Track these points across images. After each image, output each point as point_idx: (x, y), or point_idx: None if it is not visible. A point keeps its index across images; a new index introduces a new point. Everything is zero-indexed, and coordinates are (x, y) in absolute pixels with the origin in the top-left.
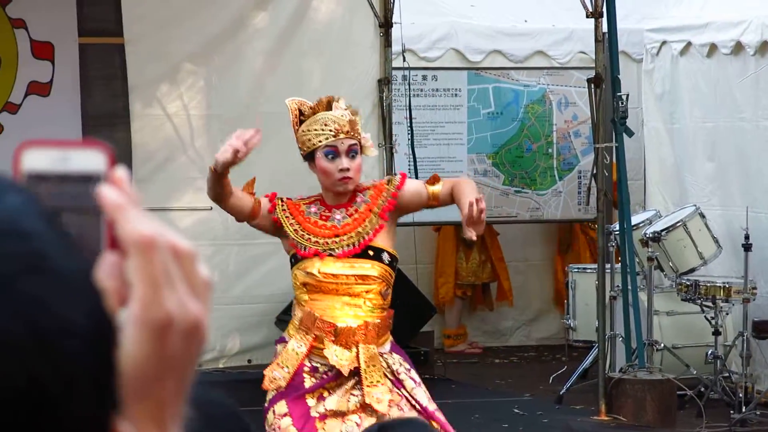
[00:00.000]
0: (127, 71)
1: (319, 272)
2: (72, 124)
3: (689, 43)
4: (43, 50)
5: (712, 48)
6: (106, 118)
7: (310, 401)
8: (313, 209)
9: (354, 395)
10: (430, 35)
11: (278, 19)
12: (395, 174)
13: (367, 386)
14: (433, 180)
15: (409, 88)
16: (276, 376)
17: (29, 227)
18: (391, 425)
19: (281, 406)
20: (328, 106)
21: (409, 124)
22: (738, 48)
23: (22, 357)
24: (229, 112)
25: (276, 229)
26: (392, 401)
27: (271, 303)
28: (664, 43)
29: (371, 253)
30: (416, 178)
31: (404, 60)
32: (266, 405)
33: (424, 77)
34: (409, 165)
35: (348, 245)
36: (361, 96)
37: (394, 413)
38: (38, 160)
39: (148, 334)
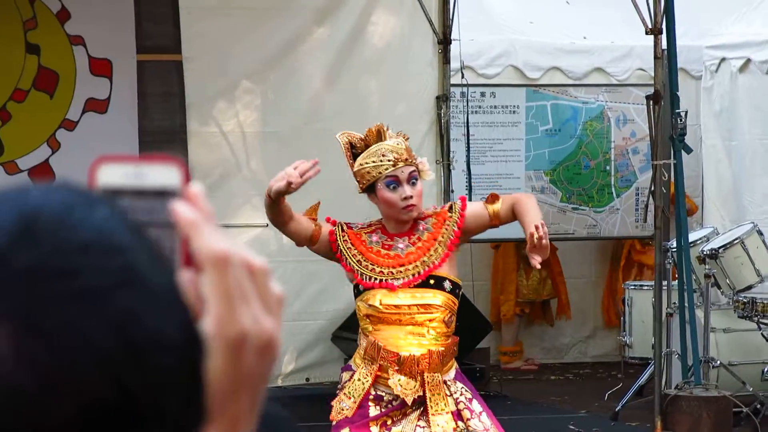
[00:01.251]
0: (184, 88)
1: (380, 303)
2: (129, 141)
3: (749, 60)
4: (101, 67)
5: None
6: (164, 135)
7: (374, 429)
8: (374, 238)
9: (420, 426)
10: (488, 52)
11: (336, 35)
12: (454, 199)
13: (432, 414)
14: (492, 199)
15: (467, 105)
16: (343, 406)
17: (120, 240)
18: None
19: None
20: (379, 136)
21: (466, 141)
22: None
23: (115, 369)
24: (285, 130)
25: (332, 254)
26: (455, 429)
27: (328, 320)
28: (723, 60)
29: (432, 282)
30: (471, 194)
31: (462, 77)
32: (332, 430)
33: (483, 94)
34: (466, 182)
35: (413, 274)
36: (419, 113)
37: None
38: (113, 175)
39: (224, 350)
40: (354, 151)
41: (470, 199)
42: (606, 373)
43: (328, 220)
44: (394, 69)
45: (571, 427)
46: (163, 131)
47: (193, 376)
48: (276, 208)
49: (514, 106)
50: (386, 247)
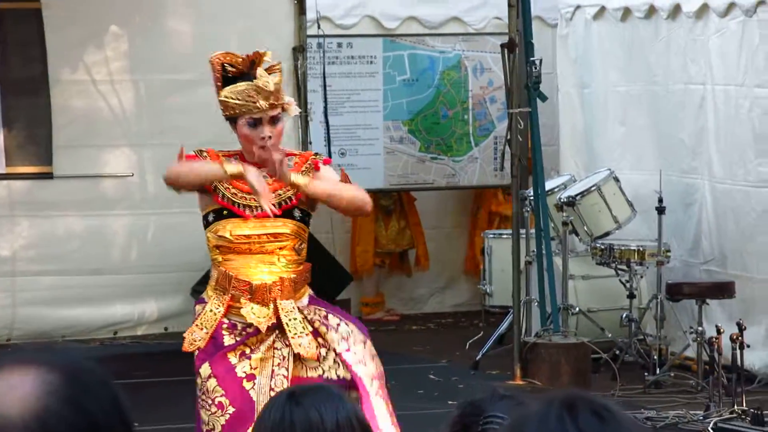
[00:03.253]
0: (45, 36)
1: (230, 234)
2: None
3: (603, 8)
4: None
5: (626, 12)
6: (26, 83)
7: (233, 359)
8: (233, 161)
9: (277, 348)
10: (345, 2)
11: None
12: (321, 155)
13: (292, 337)
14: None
15: (324, 56)
16: (195, 337)
17: None
18: (302, 392)
19: (205, 369)
20: (252, 65)
21: (323, 93)
22: (651, 12)
23: None
24: (150, 77)
25: (203, 191)
26: (319, 347)
27: (188, 272)
28: (578, 7)
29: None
30: (329, 145)
31: (319, 28)
32: (195, 367)
33: (339, 45)
34: (324, 133)
35: (247, 207)
36: None
37: (329, 359)
38: None
39: None
40: (225, 74)
41: (329, 151)
42: (467, 322)
43: (194, 158)
44: (251, 20)
45: (431, 376)
46: (25, 80)
47: None
48: (211, 180)
49: (371, 56)
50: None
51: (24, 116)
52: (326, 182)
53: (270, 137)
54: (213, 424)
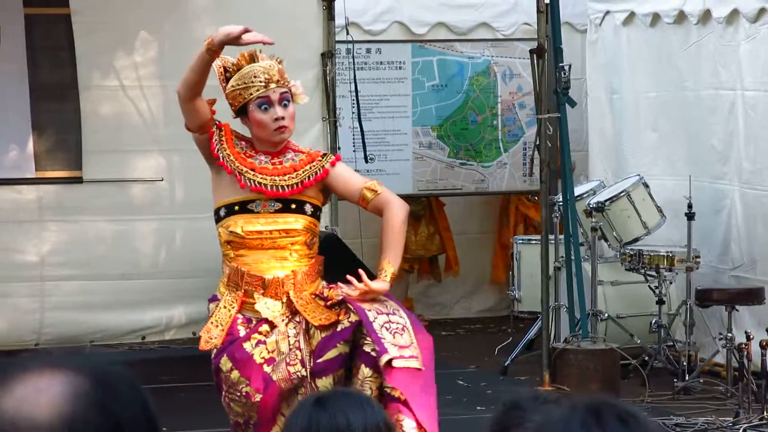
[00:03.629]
0: (74, 41)
1: (242, 230)
2: (20, 95)
3: (632, 13)
4: None
5: (655, 17)
6: (55, 89)
7: (249, 347)
8: (243, 143)
9: (291, 328)
10: (374, 8)
11: None
12: (331, 153)
13: (310, 318)
14: (373, 186)
15: (353, 62)
16: (212, 335)
17: None
18: (328, 397)
19: (225, 362)
20: (252, 59)
21: (353, 98)
22: (681, 17)
23: None
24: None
25: (210, 154)
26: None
27: (217, 276)
28: (607, 13)
29: (294, 206)
30: (364, 151)
31: (348, 33)
32: (212, 363)
33: (368, 50)
34: (354, 139)
35: (259, 182)
36: (304, 70)
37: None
38: None
39: None
40: (227, 75)
41: (365, 156)
42: (496, 328)
43: (213, 113)
44: (279, 25)
45: (460, 382)
46: (54, 85)
47: None
48: (206, 66)
49: (400, 62)
50: (248, 155)
51: (54, 121)
52: (392, 248)
53: (283, 117)
54: (249, 414)
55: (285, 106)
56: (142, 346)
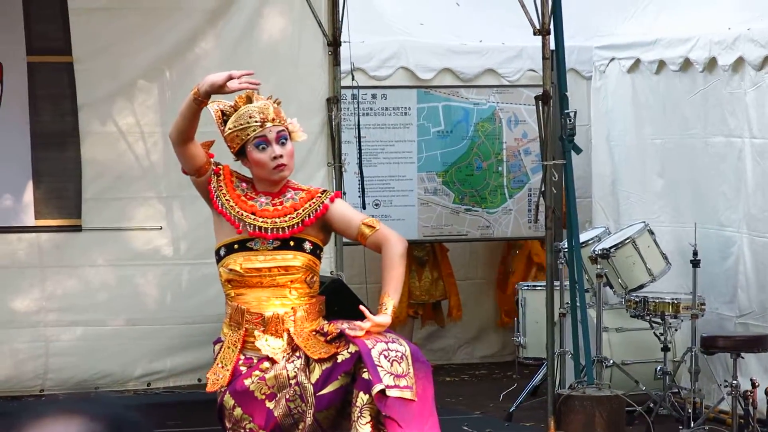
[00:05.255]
0: (76, 90)
1: (241, 268)
2: (21, 143)
3: (638, 60)
4: None
5: (661, 64)
6: (56, 136)
7: (250, 385)
8: (243, 185)
9: (290, 362)
10: (379, 54)
11: (227, 37)
12: (332, 190)
13: (309, 353)
14: (372, 222)
15: (358, 107)
16: (218, 377)
17: None
18: None
19: (228, 399)
20: (248, 100)
21: (358, 143)
22: (686, 65)
23: None
24: None
25: (207, 197)
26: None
27: (221, 321)
28: (612, 59)
29: (292, 243)
30: (364, 196)
31: (353, 79)
32: (218, 404)
33: (374, 96)
34: (358, 184)
35: (259, 227)
36: (310, 115)
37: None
38: None
39: None
40: (225, 118)
41: (363, 203)
42: (501, 373)
43: (211, 156)
44: (285, 71)
45: (465, 428)
46: (55, 133)
47: None
48: (194, 114)
49: (406, 107)
50: (249, 197)
51: (53, 169)
52: (392, 281)
53: (282, 156)
54: None
55: (283, 144)
56: (147, 392)
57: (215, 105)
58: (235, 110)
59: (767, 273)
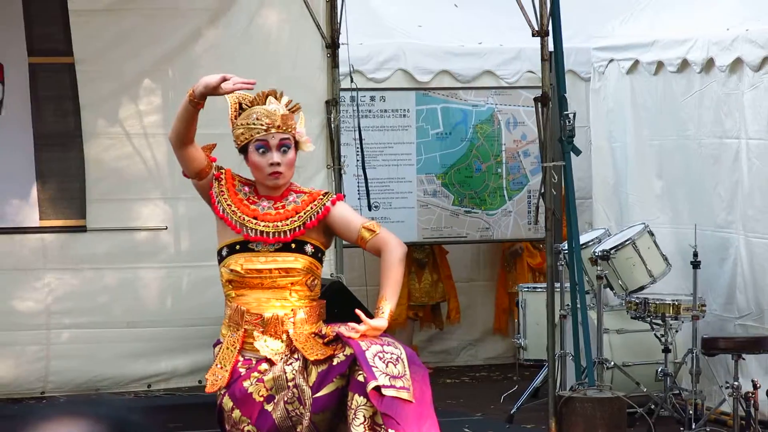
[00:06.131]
0: (77, 90)
1: (242, 269)
2: (24, 144)
3: (636, 61)
4: None
5: (659, 66)
6: (58, 137)
7: (249, 386)
8: (246, 189)
9: (288, 364)
10: (377, 56)
11: (226, 40)
12: (334, 192)
13: (307, 355)
14: (372, 226)
15: (358, 109)
16: (217, 377)
17: None
18: None
19: (227, 401)
20: (266, 100)
21: (357, 145)
22: (684, 65)
23: None
24: None
25: (208, 200)
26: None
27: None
28: (611, 61)
29: (293, 245)
30: (368, 198)
31: (352, 81)
32: (217, 407)
33: (372, 98)
34: (358, 186)
35: (263, 232)
36: (308, 117)
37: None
38: None
39: None
40: (242, 110)
41: (368, 204)
42: (502, 375)
43: (213, 160)
44: (283, 73)
45: (466, 430)
46: (58, 133)
47: None
48: (191, 116)
49: (404, 109)
50: (251, 201)
51: (57, 170)
52: (389, 286)
53: (279, 164)
54: None
55: (284, 152)
56: (147, 394)
57: (235, 98)
58: (251, 105)
59: (764, 274)
